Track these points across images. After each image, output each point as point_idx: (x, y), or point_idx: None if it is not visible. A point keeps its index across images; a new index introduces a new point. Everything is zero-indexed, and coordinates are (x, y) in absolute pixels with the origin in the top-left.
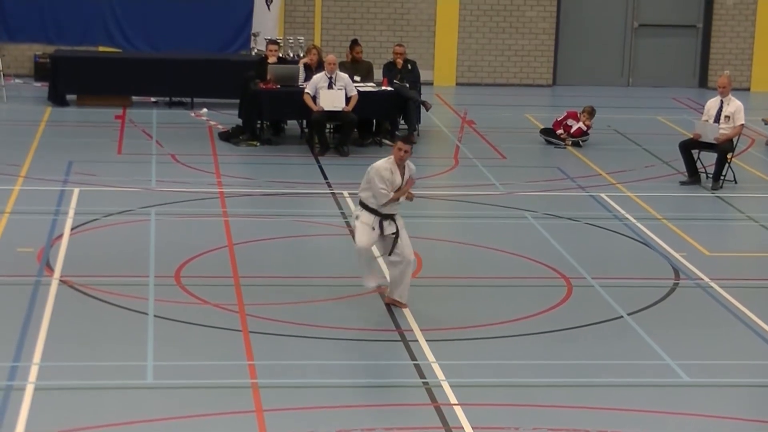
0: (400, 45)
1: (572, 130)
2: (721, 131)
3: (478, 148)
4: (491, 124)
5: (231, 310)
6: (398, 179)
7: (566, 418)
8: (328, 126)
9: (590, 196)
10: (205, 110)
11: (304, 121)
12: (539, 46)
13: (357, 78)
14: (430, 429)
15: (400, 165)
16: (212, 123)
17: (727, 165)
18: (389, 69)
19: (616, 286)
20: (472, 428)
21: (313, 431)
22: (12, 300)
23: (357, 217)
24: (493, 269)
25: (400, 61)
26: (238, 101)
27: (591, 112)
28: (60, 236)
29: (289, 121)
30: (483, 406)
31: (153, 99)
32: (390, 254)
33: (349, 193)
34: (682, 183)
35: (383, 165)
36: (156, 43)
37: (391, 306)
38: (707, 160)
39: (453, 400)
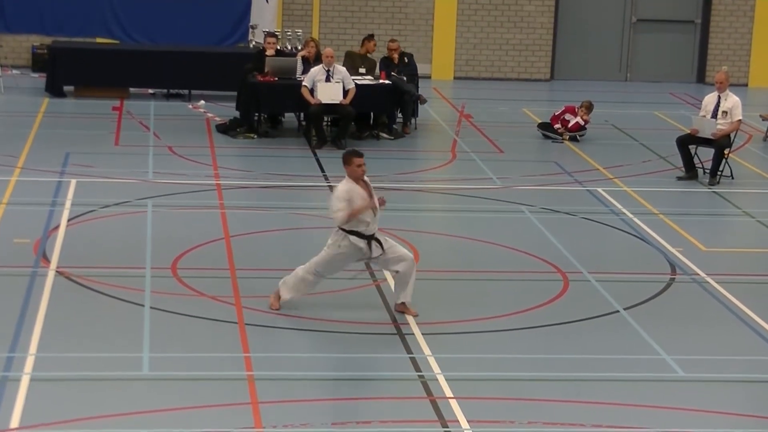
0: (393, 40)
1: (570, 125)
2: (719, 127)
3: (476, 142)
4: (489, 118)
5: (227, 303)
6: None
7: (561, 413)
8: (325, 119)
9: (587, 190)
10: (202, 102)
11: (302, 114)
12: (537, 41)
13: (362, 70)
14: (425, 422)
15: (360, 181)
16: (210, 115)
17: (724, 161)
18: (386, 63)
19: (613, 281)
20: (468, 422)
21: (309, 424)
22: (8, 291)
23: (338, 246)
24: (489, 263)
25: (395, 56)
26: (235, 93)
27: (589, 107)
28: (57, 227)
29: (286, 114)
30: (478, 400)
31: (150, 91)
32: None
33: None
34: (679, 178)
35: (342, 187)
36: (154, 35)
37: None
38: (704, 155)
39: (448, 393)
